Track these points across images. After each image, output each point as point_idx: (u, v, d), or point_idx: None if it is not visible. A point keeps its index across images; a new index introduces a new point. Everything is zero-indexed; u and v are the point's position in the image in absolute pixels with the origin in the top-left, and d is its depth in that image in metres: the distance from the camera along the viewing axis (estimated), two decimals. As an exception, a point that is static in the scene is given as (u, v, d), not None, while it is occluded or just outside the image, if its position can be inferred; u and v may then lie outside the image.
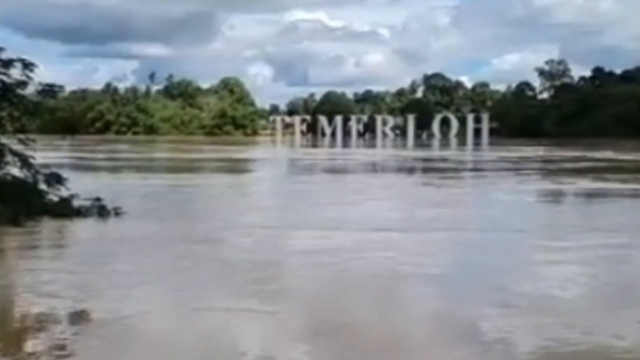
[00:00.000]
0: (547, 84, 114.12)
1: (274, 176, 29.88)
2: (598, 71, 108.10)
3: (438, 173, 29.65)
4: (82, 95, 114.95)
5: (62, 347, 5.94)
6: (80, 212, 13.42)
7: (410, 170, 33.63)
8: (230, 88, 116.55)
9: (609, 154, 44.41)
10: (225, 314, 7.15)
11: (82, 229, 12.56)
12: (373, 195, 19.43)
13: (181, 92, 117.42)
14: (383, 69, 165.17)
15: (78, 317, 6.87)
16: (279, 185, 25.03)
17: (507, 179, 26.14)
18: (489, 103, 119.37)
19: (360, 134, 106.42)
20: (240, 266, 9.26)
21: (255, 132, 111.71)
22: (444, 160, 40.85)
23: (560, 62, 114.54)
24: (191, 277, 8.75)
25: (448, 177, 26.81)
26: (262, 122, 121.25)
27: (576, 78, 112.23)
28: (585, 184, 23.33)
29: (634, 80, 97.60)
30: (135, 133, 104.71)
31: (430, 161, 40.75)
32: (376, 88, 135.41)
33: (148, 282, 8.41)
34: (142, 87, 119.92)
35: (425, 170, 33.98)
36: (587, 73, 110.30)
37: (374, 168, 34.91)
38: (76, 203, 13.62)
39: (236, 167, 35.52)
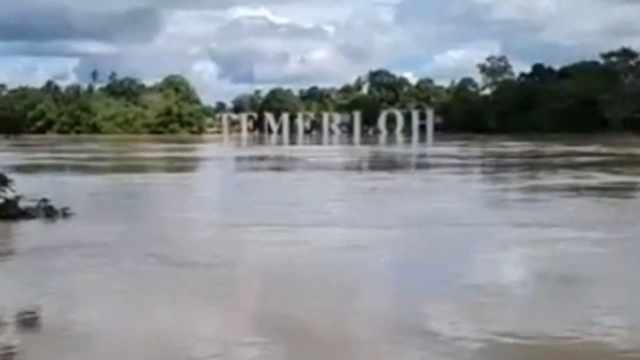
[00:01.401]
0: (489, 80, 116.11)
1: (220, 175, 29.90)
2: (538, 68, 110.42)
3: (382, 170, 30.09)
4: (22, 93, 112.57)
5: None
6: (26, 214, 13.32)
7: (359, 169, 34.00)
8: (175, 86, 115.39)
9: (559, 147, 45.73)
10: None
11: (28, 231, 12.47)
12: (316, 192, 19.67)
13: (124, 90, 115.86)
14: (328, 65, 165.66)
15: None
16: (224, 184, 25.09)
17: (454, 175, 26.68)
18: (433, 99, 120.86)
19: (307, 131, 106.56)
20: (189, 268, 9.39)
21: (201, 130, 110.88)
22: (390, 155, 41.42)
23: (501, 59, 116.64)
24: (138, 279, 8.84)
25: (390, 173, 27.26)
26: (209, 120, 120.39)
27: (517, 74, 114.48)
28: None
29: (572, 77, 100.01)
30: (78, 132, 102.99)
31: (377, 158, 41.26)
32: (322, 84, 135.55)
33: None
34: (84, 86, 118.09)
35: (372, 167, 34.41)
36: (528, 69, 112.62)
37: (319, 165, 35.18)
38: (22, 204, 13.51)
39: (183, 166, 35.36)
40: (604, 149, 43.88)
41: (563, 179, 23.18)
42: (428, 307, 7.48)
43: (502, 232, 11.96)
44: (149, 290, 8.18)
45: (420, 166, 34.58)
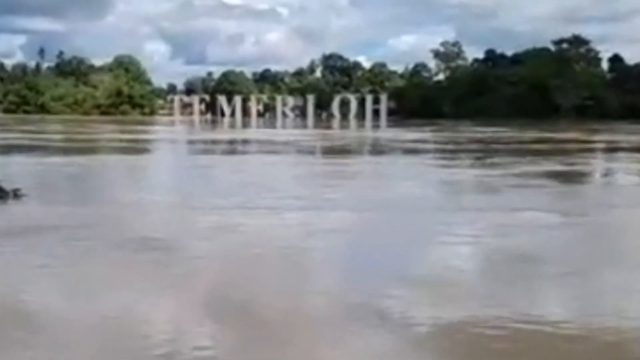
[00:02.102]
0: (443, 66, 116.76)
1: (171, 157, 29.36)
2: (490, 53, 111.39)
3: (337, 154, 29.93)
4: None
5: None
6: (-24, 195, 12.72)
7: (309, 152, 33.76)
8: (125, 66, 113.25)
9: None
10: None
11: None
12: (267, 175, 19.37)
13: (73, 69, 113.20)
14: (282, 48, 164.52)
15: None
16: (175, 166, 24.59)
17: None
18: (387, 84, 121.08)
19: (260, 114, 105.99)
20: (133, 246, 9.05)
21: (152, 112, 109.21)
22: (345, 139, 41.28)
23: (455, 44, 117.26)
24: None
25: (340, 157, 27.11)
26: (160, 101, 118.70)
27: (470, 60, 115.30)
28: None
29: (524, 62, 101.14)
30: (25, 112, 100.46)
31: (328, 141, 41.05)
32: (275, 67, 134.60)
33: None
34: (32, 64, 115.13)
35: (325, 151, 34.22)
36: (481, 55, 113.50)
37: (271, 149, 34.84)
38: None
39: (134, 147, 34.62)
40: (543, 135, 44.42)
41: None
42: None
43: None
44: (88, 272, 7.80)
45: (376, 152, 34.50)
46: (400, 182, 18.00)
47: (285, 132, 54.57)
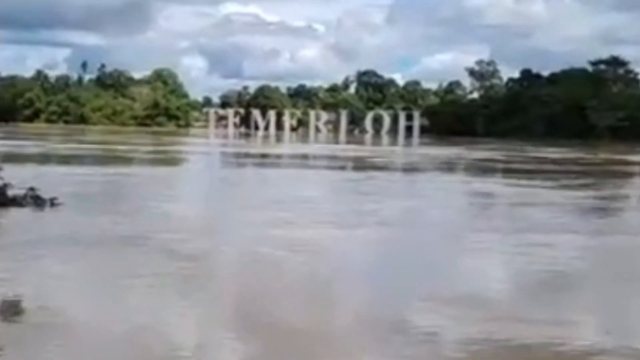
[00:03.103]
0: (477, 84, 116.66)
1: (208, 169, 30.09)
2: (526, 73, 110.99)
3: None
4: (11, 82, 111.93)
5: None
6: (15, 202, 13.47)
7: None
8: (164, 79, 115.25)
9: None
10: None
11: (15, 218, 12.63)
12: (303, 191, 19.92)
13: (113, 82, 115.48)
14: (317, 64, 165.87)
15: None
16: (211, 178, 25.30)
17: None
18: (421, 101, 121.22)
19: (294, 129, 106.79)
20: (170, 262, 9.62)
21: (188, 124, 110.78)
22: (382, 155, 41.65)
23: (490, 63, 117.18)
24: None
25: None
26: (195, 114, 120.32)
27: (505, 79, 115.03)
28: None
29: (560, 83, 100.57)
30: (66, 122, 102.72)
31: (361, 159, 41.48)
32: (309, 83, 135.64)
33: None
34: (74, 76, 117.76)
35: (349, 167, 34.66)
36: (516, 74, 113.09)
37: (327, 164, 35.40)
38: (11, 192, 13.66)
39: (175, 158, 35.47)
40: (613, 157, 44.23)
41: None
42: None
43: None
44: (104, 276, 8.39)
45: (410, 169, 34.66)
46: (528, 207, 17.17)
47: (330, 147, 54.83)
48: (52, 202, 13.54)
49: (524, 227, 12.99)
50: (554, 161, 38.81)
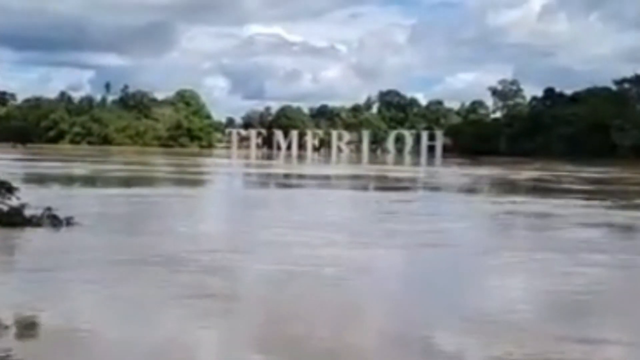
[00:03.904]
0: (500, 104, 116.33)
1: (230, 190, 30.12)
2: (549, 92, 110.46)
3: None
4: (36, 103, 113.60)
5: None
6: (31, 222, 13.48)
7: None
8: (186, 100, 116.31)
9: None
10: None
11: (32, 238, 12.64)
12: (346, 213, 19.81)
13: (137, 102, 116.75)
14: (339, 84, 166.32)
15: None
16: (231, 199, 25.29)
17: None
18: (443, 121, 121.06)
19: (316, 149, 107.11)
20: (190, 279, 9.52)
21: (210, 145, 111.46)
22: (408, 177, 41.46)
23: (513, 82, 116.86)
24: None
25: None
26: (218, 134, 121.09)
27: (528, 98, 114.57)
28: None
29: (583, 102, 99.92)
30: (89, 143, 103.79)
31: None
32: (332, 103, 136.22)
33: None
34: (98, 97, 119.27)
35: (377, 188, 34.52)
36: (539, 93, 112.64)
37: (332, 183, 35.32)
38: (28, 212, 13.68)
39: (198, 180, 35.52)
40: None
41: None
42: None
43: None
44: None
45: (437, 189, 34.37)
46: (591, 228, 16.40)
47: (369, 167, 54.84)
48: (68, 222, 13.54)
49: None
50: (601, 181, 38.10)
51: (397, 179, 38.30)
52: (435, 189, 32.63)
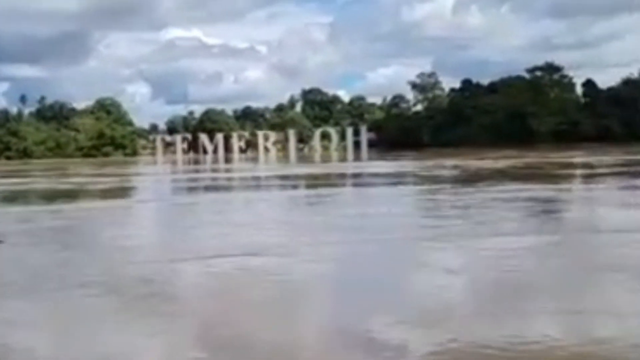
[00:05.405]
0: (420, 97, 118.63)
1: (155, 199, 29.94)
2: (467, 83, 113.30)
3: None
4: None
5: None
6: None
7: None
8: (107, 108, 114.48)
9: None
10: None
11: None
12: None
13: (55, 114, 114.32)
14: (262, 84, 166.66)
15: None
16: (158, 208, 25.20)
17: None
18: (367, 116, 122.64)
19: (242, 150, 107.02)
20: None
21: (135, 152, 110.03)
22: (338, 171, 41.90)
23: (431, 75, 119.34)
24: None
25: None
26: (142, 141, 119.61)
27: (447, 90, 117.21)
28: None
29: (500, 91, 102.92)
30: (8, 158, 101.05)
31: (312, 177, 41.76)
32: (255, 104, 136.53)
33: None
34: (14, 110, 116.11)
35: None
36: (457, 85, 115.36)
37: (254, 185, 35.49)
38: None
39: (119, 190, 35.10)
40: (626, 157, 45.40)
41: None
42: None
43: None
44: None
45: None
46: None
47: (274, 166, 55.14)
48: (-3, 241, 13.42)
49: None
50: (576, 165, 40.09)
51: (324, 176, 38.82)
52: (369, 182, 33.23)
